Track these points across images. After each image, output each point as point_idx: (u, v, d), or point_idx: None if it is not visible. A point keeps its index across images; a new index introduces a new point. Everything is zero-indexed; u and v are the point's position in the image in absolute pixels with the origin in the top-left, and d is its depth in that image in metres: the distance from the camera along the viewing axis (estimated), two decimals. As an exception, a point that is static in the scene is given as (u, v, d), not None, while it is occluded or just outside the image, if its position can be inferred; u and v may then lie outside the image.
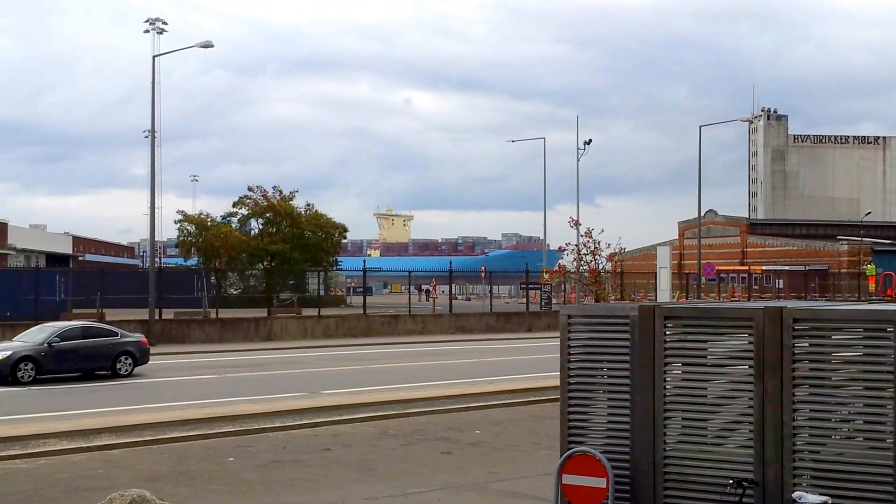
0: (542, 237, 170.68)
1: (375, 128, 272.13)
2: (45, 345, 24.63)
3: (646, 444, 7.05)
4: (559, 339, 7.46)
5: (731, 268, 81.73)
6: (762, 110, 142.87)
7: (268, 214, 68.57)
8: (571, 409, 7.39)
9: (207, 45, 37.67)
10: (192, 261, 67.80)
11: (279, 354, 33.56)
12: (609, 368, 7.31)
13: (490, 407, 20.23)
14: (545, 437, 15.34)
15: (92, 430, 16.33)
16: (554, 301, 55.47)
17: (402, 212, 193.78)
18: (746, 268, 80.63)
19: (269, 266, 61.86)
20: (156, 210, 40.64)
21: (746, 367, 6.76)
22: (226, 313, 41.34)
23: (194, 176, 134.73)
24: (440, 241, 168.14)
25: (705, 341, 7.01)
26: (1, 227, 60.24)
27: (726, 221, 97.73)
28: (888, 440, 6.24)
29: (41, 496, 12.33)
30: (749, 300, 46.19)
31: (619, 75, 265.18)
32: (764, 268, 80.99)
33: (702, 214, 56.74)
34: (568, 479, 7.17)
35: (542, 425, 17.06)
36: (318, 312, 43.30)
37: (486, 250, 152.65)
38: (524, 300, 54.39)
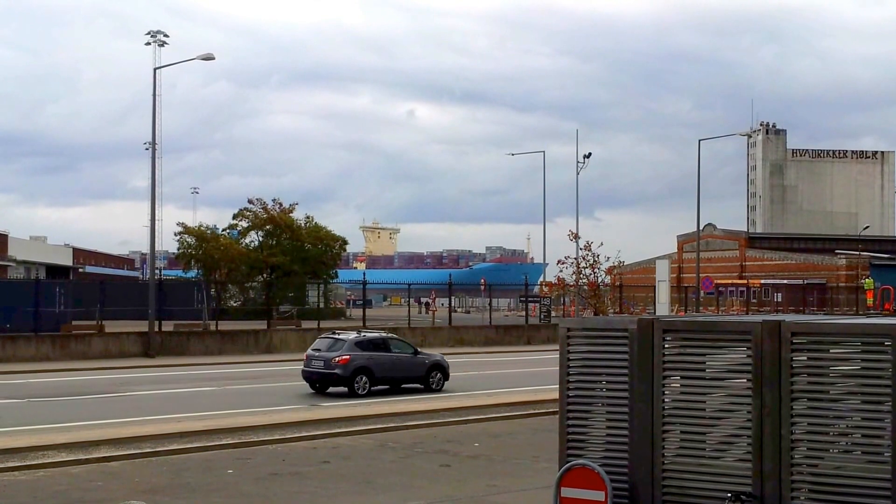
0: (526, 250, 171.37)
1: (377, 140, 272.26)
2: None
3: (644, 457, 7.07)
4: (558, 352, 7.49)
5: (729, 281, 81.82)
6: (761, 124, 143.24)
7: (268, 227, 68.68)
8: (570, 422, 7.41)
9: (208, 58, 37.79)
10: (192, 273, 67.86)
11: (279, 367, 33.52)
12: (608, 381, 7.32)
13: (489, 420, 20.23)
14: (544, 450, 15.34)
15: (91, 443, 16.32)
16: (553, 314, 55.52)
17: (389, 225, 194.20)
18: (745, 281, 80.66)
19: (269, 278, 61.89)
20: (156, 222, 40.75)
21: (745, 380, 6.78)
22: (225, 325, 41.33)
23: (195, 188, 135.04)
24: (426, 254, 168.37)
25: (704, 355, 7.03)
26: (1, 238, 60.29)
27: (725, 235, 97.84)
28: (886, 454, 6.26)
29: (40, 508, 12.33)
30: (747, 314, 46.21)
31: (621, 89, 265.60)
32: (762, 281, 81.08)
33: (701, 228, 56.80)
34: (566, 492, 7.18)
35: (541, 438, 17.06)
36: (318, 325, 43.26)
37: (471, 263, 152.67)
38: (523, 313, 54.42)
